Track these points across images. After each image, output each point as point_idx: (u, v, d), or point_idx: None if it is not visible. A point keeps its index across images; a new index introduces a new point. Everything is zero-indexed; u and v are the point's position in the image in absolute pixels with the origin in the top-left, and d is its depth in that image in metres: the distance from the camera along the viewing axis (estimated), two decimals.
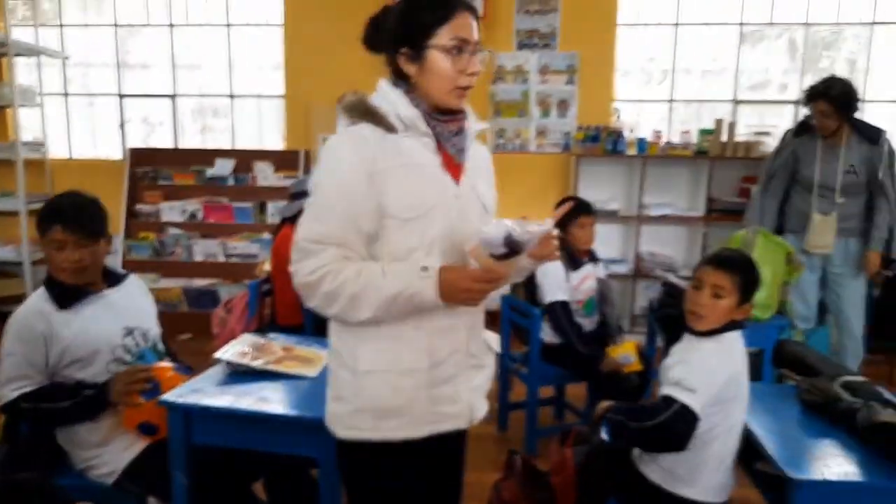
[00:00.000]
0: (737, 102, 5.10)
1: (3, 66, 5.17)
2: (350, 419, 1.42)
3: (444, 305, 1.34)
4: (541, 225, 1.34)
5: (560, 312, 2.97)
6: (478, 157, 1.53)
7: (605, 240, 4.83)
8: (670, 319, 3.16)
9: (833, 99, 3.31)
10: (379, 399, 1.39)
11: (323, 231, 1.34)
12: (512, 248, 1.31)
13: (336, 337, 1.45)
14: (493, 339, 1.60)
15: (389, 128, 1.37)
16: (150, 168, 5.29)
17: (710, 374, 1.73)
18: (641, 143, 4.70)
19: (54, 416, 1.86)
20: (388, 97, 1.40)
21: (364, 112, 1.38)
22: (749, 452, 1.82)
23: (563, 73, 5.00)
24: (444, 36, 1.34)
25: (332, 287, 1.32)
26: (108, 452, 1.92)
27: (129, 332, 1.99)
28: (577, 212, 3.04)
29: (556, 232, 1.41)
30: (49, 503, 1.90)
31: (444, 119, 1.42)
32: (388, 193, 1.34)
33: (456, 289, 1.31)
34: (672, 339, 1.90)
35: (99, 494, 1.98)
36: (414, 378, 1.40)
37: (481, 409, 1.54)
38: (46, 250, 1.91)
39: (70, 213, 1.88)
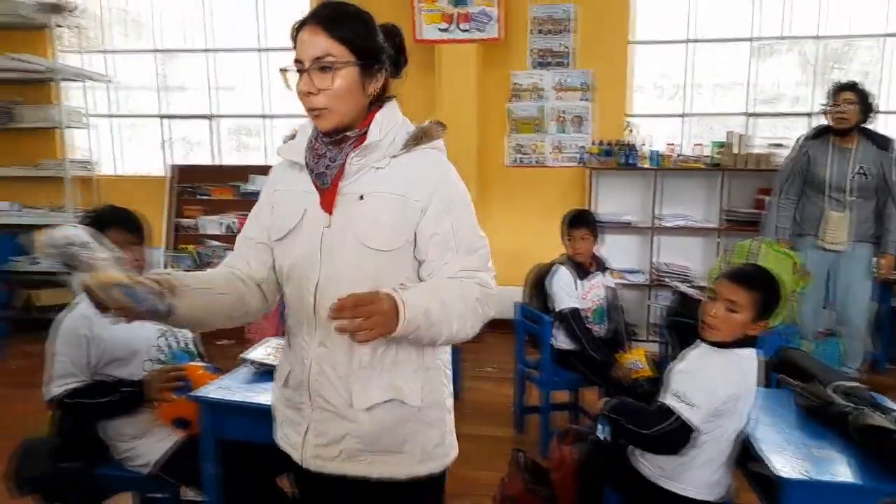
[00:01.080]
0: (749, 115, 5.12)
1: (52, 90, 5.49)
2: None
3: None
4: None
5: (572, 319, 3.06)
6: (391, 182, 1.28)
7: (622, 250, 4.92)
8: (679, 326, 3.25)
9: (860, 91, 3.50)
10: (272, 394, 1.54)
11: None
12: (65, 260, 1.22)
13: None
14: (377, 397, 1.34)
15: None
16: (191, 184, 5.57)
17: (712, 391, 1.77)
18: (654, 155, 4.77)
19: (96, 410, 2.02)
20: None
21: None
22: (746, 455, 1.85)
23: (577, 90, 5.10)
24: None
25: None
26: (144, 445, 2.07)
27: (163, 334, 2.16)
28: (569, 225, 3.16)
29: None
30: (88, 491, 2.11)
31: (327, 142, 1.32)
32: (273, 216, 1.41)
33: None
34: (682, 345, 1.95)
35: (136, 484, 2.16)
36: (276, 388, 1.50)
37: (327, 459, 1.35)
38: None
39: (123, 217, 2.06)
